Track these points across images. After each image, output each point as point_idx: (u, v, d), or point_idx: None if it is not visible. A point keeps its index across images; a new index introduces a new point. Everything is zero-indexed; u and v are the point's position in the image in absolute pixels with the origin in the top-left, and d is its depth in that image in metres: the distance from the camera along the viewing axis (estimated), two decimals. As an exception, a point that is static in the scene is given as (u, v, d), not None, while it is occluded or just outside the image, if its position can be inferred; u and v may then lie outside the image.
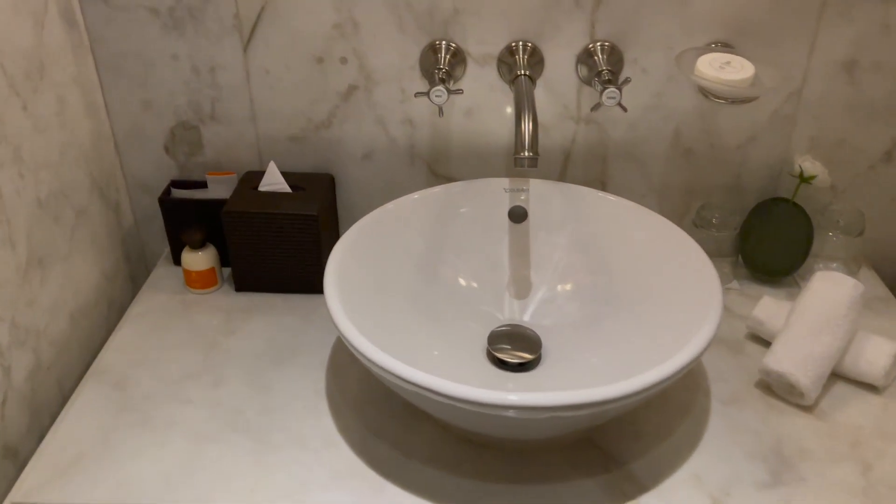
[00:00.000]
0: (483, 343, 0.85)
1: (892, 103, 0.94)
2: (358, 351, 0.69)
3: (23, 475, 0.74)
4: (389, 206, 0.89)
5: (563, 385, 0.76)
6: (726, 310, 0.95)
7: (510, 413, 0.64)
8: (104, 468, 0.75)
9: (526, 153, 0.77)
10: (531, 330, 0.86)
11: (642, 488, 0.73)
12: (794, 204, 0.97)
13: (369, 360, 0.68)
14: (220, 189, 1.00)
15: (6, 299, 0.78)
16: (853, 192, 1.01)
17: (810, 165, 0.95)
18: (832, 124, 0.97)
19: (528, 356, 0.83)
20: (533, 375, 0.82)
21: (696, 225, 0.99)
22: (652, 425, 0.80)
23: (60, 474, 0.74)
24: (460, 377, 0.73)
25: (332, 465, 0.75)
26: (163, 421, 0.80)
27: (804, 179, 0.96)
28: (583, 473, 0.74)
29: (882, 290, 1.00)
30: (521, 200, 0.93)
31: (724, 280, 1.00)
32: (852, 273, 1.00)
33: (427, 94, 0.86)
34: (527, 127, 0.78)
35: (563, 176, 1.02)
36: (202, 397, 0.83)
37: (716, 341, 0.89)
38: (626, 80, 0.86)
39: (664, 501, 0.71)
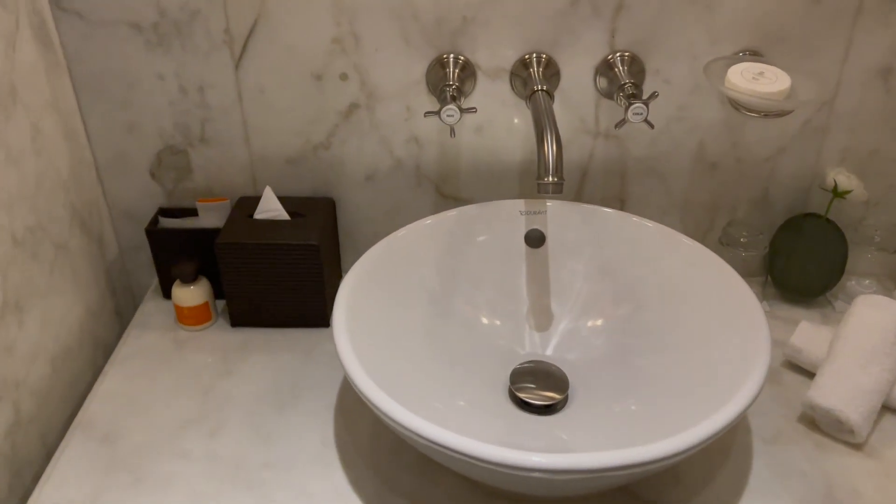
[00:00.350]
0: (505, 382, 0.78)
1: (930, 111, 0.89)
2: (371, 402, 0.63)
3: (3, 548, 0.67)
4: (400, 232, 0.82)
5: (596, 434, 0.70)
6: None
7: (536, 475, 0.58)
8: (93, 537, 0.68)
9: (550, 178, 0.70)
10: (556, 366, 0.80)
11: (688, 544, 0.67)
12: (828, 220, 0.92)
13: (383, 413, 0.62)
14: (211, 217, 0.92)
15: (-20, 351, 0.71)
16: (887, 204, 0.95)
17: (845, 179, 0.90)
18: (866, 135, 0.91)
19: (555, 396, 0.76)
20: (560, 419, 0.75)
21: (722, 243, 0.93)
22: (692, 468, 0.73)
23: (45, 546, 0.67)
24: (481, 424, 0.66)
25: (347, 526, 0.68)
26: (158, 479, 0.73)
27: (838, 194, 0.90)
28: (622, 528, 0.68)
29: (920, 308, 0.94)
30: (538, 223, 0.86)
31: (753, 301, 0.94)
32: (888, 291, 0.94)
33: (438, 113, 0.79)
34: (550, 149, 0.71)
35: (579, 194, 0.95)
36: (199, 450, 0.76)
37: (752, 372, 0.83)
38: (654, 95, 0.80)
39: (713, 559, 0.65)
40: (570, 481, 0.60)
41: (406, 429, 0.60)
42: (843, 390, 0.75)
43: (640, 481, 0.72)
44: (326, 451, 0.76)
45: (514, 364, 0.80)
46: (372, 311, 0.75)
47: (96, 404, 0.81)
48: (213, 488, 0.72)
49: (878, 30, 0.84)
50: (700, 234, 0.98)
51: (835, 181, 0.90)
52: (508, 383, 0.78)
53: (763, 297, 0.95)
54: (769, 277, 0.96)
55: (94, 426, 0.79)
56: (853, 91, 0.88)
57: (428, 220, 0.84)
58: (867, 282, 0.96)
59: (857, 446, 0.75)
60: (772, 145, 0.92)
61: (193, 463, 0.75)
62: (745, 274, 0.92)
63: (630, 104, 0.79)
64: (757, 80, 0.78)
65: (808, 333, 0.84)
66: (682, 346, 0.76)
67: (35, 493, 0.72)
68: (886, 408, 0.79)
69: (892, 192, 0.94)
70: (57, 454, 0.76)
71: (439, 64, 0.86)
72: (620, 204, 0.96)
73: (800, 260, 0.92)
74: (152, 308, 0.95)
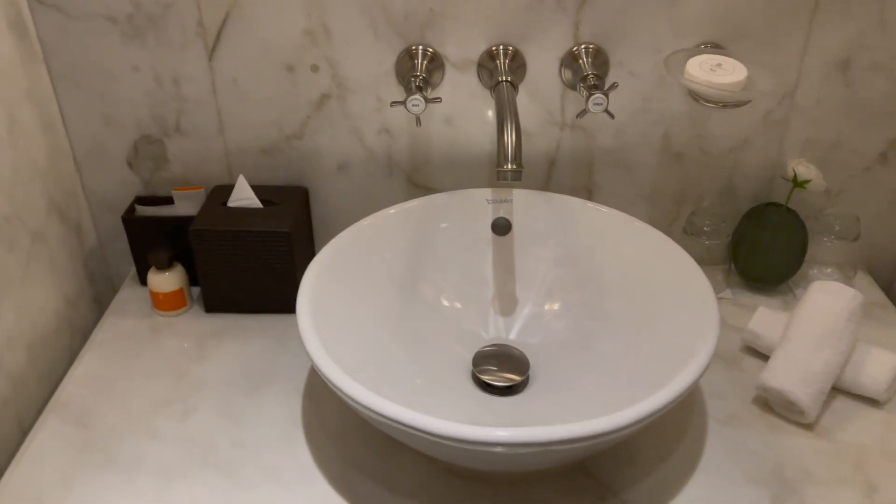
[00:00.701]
0: (468, 365, 0.80)
1: (888, 104, 0.91)
2: (334, 384, 0.65)
3: (-24, 524, 0.69)
4: (365, 221, 0.84)
5: (554, 411, 0.73)
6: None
7: (498, 449, 0.60)
8: (64, 514, 0.70)
9: (509, 166, 0.72)
10: (518, 350, 0.82)
11: (639, 520, 0.69)
12: (788, 209, 0.94)
13: (345, 395, 0.64)
14: (187, 205, 0.94)
15: (-45, 333, 0.73)
16: (848, 195, 0.97)
17: (804, 170, 0.92)
18: (826, 126, 0.93)
19: (515, 378, 0.78)
20: (521, 399, 0.78)
21: (686, 232, 0.95)
22: (647, 448, 0.76)
23: (17, 522, 0.69)
24: (444, 404, 0.68)
25: (310, 501, 0.70)
26: (128, 458, 0.75)
27: (798, 184, 0.92)
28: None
29: (879, 295, 0.97)
30: (504, 212, 0.88)
31: (716, 289, 0.96)
32: (848, 279, 0.96)
33: (403, 103, 0.82)
34: (510, 138, 0.73)
35: (547, 184, 0.98)
36: (171, 431, 0.78)
37: (711, 356, 0.85)
38: (614, 86, 0.82)
39: (663, 534, 0.68)
40: (529, 455, 0.61)
41: (367, 408, 0.62)
42: (794, 372, 0.77)
43: (597, 461, 0.74)
44: (294, 432, 0.78)
45: (478, 347, 0.82)
46: (337, 296, 0.77)
47: (72, 387, 0.84)
48: (183, 467, 0.74)
49: (835, 24, 0.86)
50: (667, 224, 1.00)
51: (794, 171, 0.92)
52: (471, 366, 0.80)
53: (726, 284, 0.97)
54: (732, 265, 0.98)
55: (69, 408, 0.81)
56: (813, 84, 0.90)
57: (392, 210, 0.86)
58: (829, 270, 0.98)
59: (808, 426, 0.78)
60: (735, 137, 0.94)
61: (165, 443, 0.77)
62: (709, 262, 0.95)
63: (591, 94, 0.81)
64: (714, 72, 0.80)
65: (765, 319, 0.86)
66: (639, 328, 0.78)
67: (9, 472, 0.74)
68: (838, 390, 0.81)
69: (853, 182, 0.97)
70: (31, 434, 0.78)
71: (408, 55, 0.88)
72: (588, 194, 0.98)
73: (761, 248, 0.94)
74: (129, 295, 0.97)
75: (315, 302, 0.73)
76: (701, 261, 0.94)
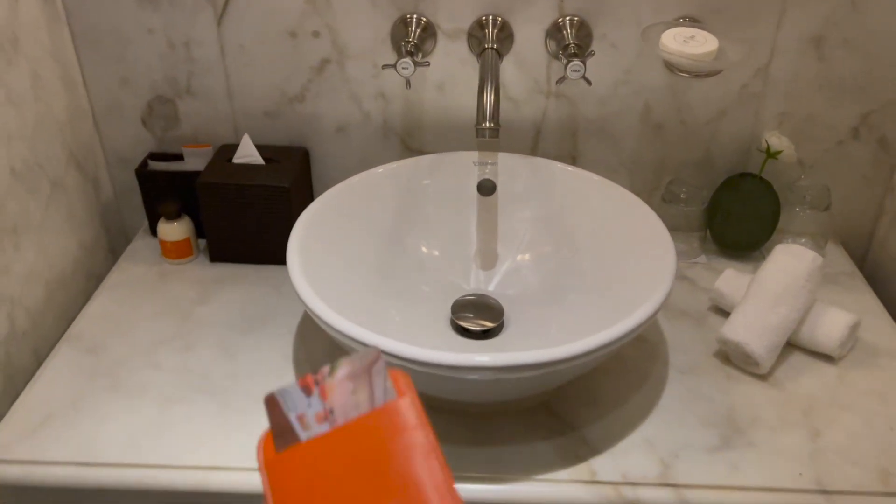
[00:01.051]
0: (447, 312, 0.86)
1: (860, 80, 0.95)
2: (316, 315, 0.71)
3: (-6, 434, 0.77)
4: (354, 179, 0.91)
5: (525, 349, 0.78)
6: (691, 283, 0.97)
7: (475, 376, 0.66)
8: (72, 428, 0.77)
9: (487, 124, 0.78)
10: (494, 299, 0.88)
11: (594, 451, 0.74)
12: (761, 179, 0.98)
13: (326, 324, 0.70)
14: (195, 161, 1.01)
15: (-21, 265, 0.80)
16: (822, 168, 1.02)
17: (777, 141, 0.96)
18: (801, 100, 0.97)
19: (489, 324, 0.84)
20: (495, 342, 0.83)
21: (664, 200, 1.00)
22: (608, 392, 0.81)
23: (30, 433, 0.76)
24: (421, 343, 0.74)
25: (294, 427, 0.77)
26: (132, 384, 0.82)
27: (771, 155, 0.97)
28: (538, 437, 0.76)
29: (848, 265, 1.01)
30: (489, 174, 0.94)
31: (692, 254, 1.02)
32: (819, 248, 1.01)
33: (394, 66, 0.87)
34: (488, 98, 0.79)
35: (534, 150, 1.03)
36: (172, 362, 0.85)
37: (679, 313, 0.91)
38: (591, 53, 0.87)
39: (615, 464, 0.73)
40: (504, 381, 0.68)
41: (353, 339, 0.68)
42: (751, 326, 0.82)
43: (560, 402, 0.80)
44: (285, 366, 0.84)
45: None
46: (325, 243, 0.83)
47: (84, 323, 0.91)
48: (181, 394, 0.81)
49: (808, 1, 0.90)
50: (647, 192, 1.05)
51: (767, 142, 0.97)
52: (450, 313, 0.86)
53: (702, 250, 1.02)
54: (708, 233, 1.03)
55: (81, 340, 0.88)
56: (788, 58, 0.95)
57: (380, 169, 0.92)
58: (802, 240, 1.02)
59: (763, 377, 0.83)
60: (712, 109, 0.99)
61: (166, 373, 0.84)
62: (686, 229, 1.00)
63: (569, 62, 0.86)
64: (687, 43, 0.85)
65: (731, 279, 0.91)
66: (606, 281, 0.84)
67: (24, 393, 0.81)
68: (794, 346, 0.86)
69: (826, 155, 1.01)
70: (46, 362, 0.85)
71: (403, 23, 0.94)
72: (572, 161, 1.04)
73: (734, 216, 0.99)
74: (141, 244, 1.05)
75: (304, 246, 0.80)
76: (678, 228, 0.99)
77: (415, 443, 0.38)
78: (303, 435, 0.39)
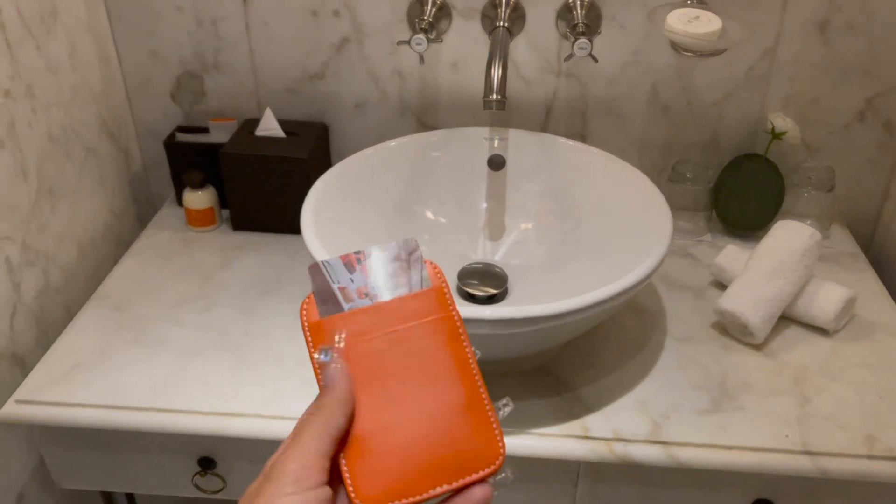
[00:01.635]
0: (453, 279, 0.90)
1: (865, 63, 0.97)
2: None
3: (27, 378, 0.82)
4: (368, 150, 0.95)
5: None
6: (694, 259, 1.00)
7: (484, 330, 0.69)
8: (99, 375, 0.82)
9: (494, 96, 0.82)
10: (500, 268, 0.91)
11: (588, 409, 0.78)
12: (767, 160, 1.01)
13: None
14: (220, 134, 1.06)
15: (18, 221, 0.86)
16: (828, 150, 1.04)
17: (781, 122, 0.98)
18: (806, 83, 0.99)
19: (493, 290, 0.88)
20: (497, 307, 0.87)
21: (671, 180, 1.03)
22: (606, 357, 0.84)
23: (60, 378, 0.82)
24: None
25: (304, 378, 0.81)
26: (155, 339, 0.87)
27: (776, 135, 0.99)
28: (535, 395, 0.80)
29: (852, 246, 1.03)
30: (499, 149, 0.98)
31: (697, 233, 1.04)
32: (823, 229, 1.02)
33: (408, 42, 0.91)
34: (496, 72, 0.82)
35: (544, 129, 1.06)
36: (192, 320, 0.90)
37: (680, 286, 0.94)
38: (597, 32, 0.90)
39: (607, 422, 0.76)
40: (508, 335, 0.71)
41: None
42: (747, 297, 0.84)
43: (558, 364, 0.83)
44: (298, 326, 0.89)
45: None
46: (338, 210, 0.88)
47: (112, 283, 0.96)
48: (200, 349, 0.86)
49: (813, -16, 0.93)
50: (656, 172, 1.08)
51: (772, 123, 0.99)
52: (456, 280, 0.90)
53: (707, 229, 1.05)
54: (714, 212, 1.05)
55: (109, 298, 0.94)
56: (793, 41, 0.97)
57: (392, 143, 0.96)
58: (809, 221, 1.04)
59: (757, 347, 0.85)
60: (719, 90, 1.01)
61: (186, 329, 0.89)
62: (692, 208, 1.03)
63: (576, 39, 0.89)
64: (691, 23, 0.88)
65: (732, 255, 0.93)
66: (607, 251, 0.87)
67: (55, 344, 0.87)
68: (790, 319, 0.88)
69: (832, 138, 1.03)
70: (76, 317, 0.91)
71: (419, 3, 0.98)
72: (582, 140, 1.06)
73: (740, 196, 1.01)
74: (168, 213, 1.10)
75: (318, 210, 0.84)
76: (684, 207, 1.02)
77: (447, 327, 0.43)
78: (345, 306, 0.43)
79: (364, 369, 0.42)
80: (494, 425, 0.42)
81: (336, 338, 0.42)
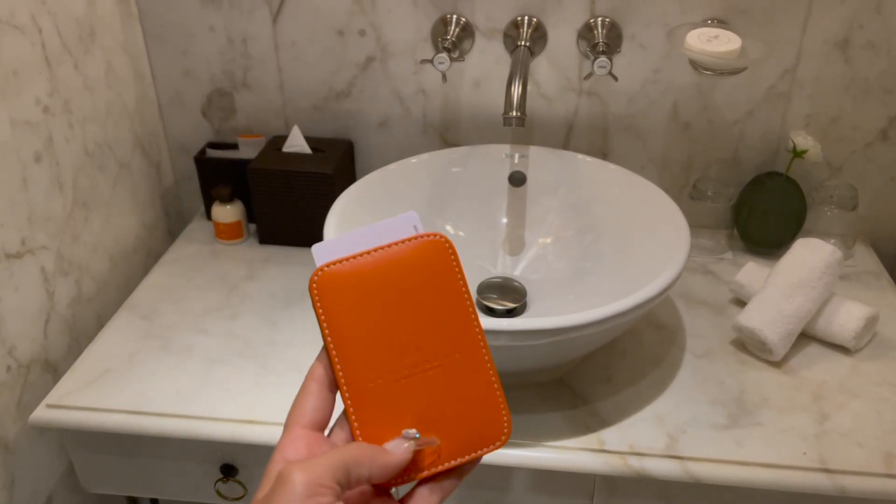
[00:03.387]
0: (473, 293, 0.91)
1: (886, 82, 0.97)
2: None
3: (58, 384, 0.85)
4: (392, 166, 0.97)
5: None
6: (715, 276, 1.00)
7: (501, 341, 0.71)
8: (127, 381, 0.85)
9: (514, 112, 0.83)
10: (519, 282, 0.92)
11: (604, 423, 0.78)
12: (788, 178, 1.01)
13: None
14: (249, 150, 1.09)
15: (53, 231, 0.89)
16: (850, 169, 1.04)
17: (802, 140, 0.99)
18: (827, 102, 1.00)
19: (512, 304, 0.89)
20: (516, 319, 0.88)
21: (692, 197, 1.03)
22: (623, 371, 0.85)
23: (89, 384, 0.84)
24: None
25: (325, 389, 0.83)
26: (181, 346, 0.90)
27: (797, 154, 0.99)
28: (551, 408, 0.80)
29: (875, 265, 1.02)
30: (520, 165, 0.99)
31: (718, 251, 1.04)
32: (846, 248, 1.02)
33: (431, 60, 0.94)
34: (516, 89, 0.84)
35: (565, 146, 1.08)
36: (217, 329, 0.92)
37: (699, 303, 0.94)
38: (617, 51, 0.91)
39: (623, 435, 0.77)
40: (524, 346, 0.72)
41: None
42: (766, 314, 0.84)
43: (575, 378, 0.84)
44: (319, 336, 0.90)
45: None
46: (361, 222, 0.89)
47: (142, 293, 0.99)
48: (224, 357, 0.88)
49: (833, 4, 0.93)
50: (676, 190, 1.09)
51: (793, 142, 0.99)
52: (476, 294, 0.91)
53: (728, 247, 1.05)
54: (735, 230, 1.05)
55: (138, 307, 0.96)
56: (814, 60, 0.97)
57: (413, 160, 0.98)
58: (832, 240, 1.04)
59: (776, 364, 0.85)
60: (740, 109, 1.02)
61: (211, 338, 0.91)
62: (713, 226, 1.03)
63: (596, 58, 0.91)
64: (710, 42, 0.89)
65: (752, 272, 0.93)
66: (625, 266, 0.88)
67: (86, 351, 0.90)
68: (810, 336, 0.88)
69: (854, 157, 1.03)
70: (106, 326, 0.94)
71: (442, 23, 1.00)
72: (602, 158, 1.08)
73: (761, 214, 1.02)
74: (197, 226, 1.13)
75: (341, 221, 0.86)
76: (705, 224, 1.03)
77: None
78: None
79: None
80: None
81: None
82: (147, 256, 1.12)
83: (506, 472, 0.79)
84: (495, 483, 0.79)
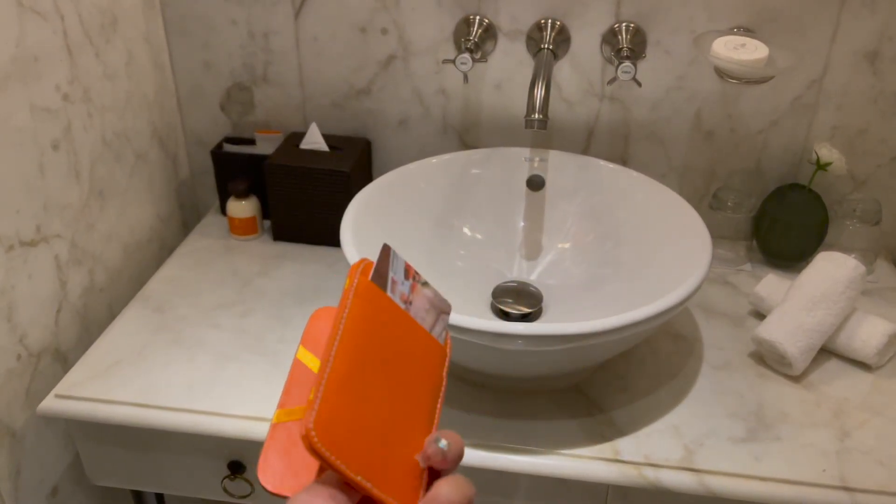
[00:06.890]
0: (488, 297, 0.90)
1: (916, 95, 0.96)
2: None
3: (68, 374, 0.84)
4: (411, 166, 0.96)
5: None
6: (733, 288, 0.98)
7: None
8: (136, 374, 0.84)
9: (536, 115, 0.82)
10: (535, 287, 0.91)
11: (620, 432, 0.77)
12: (811, 191, 0.99)
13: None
14: (266, 146, 1.09)
15: (68, 219, 0.89)
16: (875, 182, 1.02)
17: (827, 152, 0.97)
18: (854, 114, 0.98)
19: (528, 309, 0.88)
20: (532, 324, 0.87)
21: (711, 207, 1.02)
22: (640, 381, 0.83)
23: (99, 375, 0.84)
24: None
25: (336, 388, 0.82)
26: (192, 340, 0.89)
27: (821, 166, 0.98)
28: (566, 415, 0.79)
29: (898, 281, 1.01)
30: (539, 169, 0.98)
31: (737, 262, 1.03)
32: (868, 263, 1.00)
33: (453, 61, 0.93)
34: (539, 92, 0.83)
35: (586, 152, 1.06)
36: (229, 324, 0.91)
37: (718, 314, 0.93)
38: (642, 56, 0.90)
39: (639, 445, 0.75)
40: (539, 352, 0.71)
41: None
42: (786, 327, 0.83)
43: (591, 385, 0.82)
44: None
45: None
46: (376, 223, 0.89)
47: (154, 285, 0.99)
48: (235, 352, 0.87)
49: (864, 15, 0.92)
50: (697, 199, 1.07)
51: (817, 154, 0.98)
52: (491, 298, 0.90)
53: (748, 258, 1.03)
54: (755, 241, 1.04)
55: (151, 300, 0.96)
56: (841, 71, 0.96)
57: (433, 160, 0.97)
58: (854, 254, 1.02)
59: (796, 378, 0.83)
60: (764, 119, 1.00)
61: (223, 332, 0.90)
62: (733, 237, 1.02)
63: (621, 63, 0.90)
64: (737, 50, 0.88)
65: (772, 284, 0.92)
66: (643, 273, 0.86)
67: (97, 342, 0.89)
68: (831, 352, 0.86)
69: (880, 171, 1.01)
70: (118, 316, 0.93)
71: (465, 23, 0.99)
72: (623, 164, 1.06)
73: (782, 226, 1.00)
74: (212, 221, 1.12)
75: (357, 221, 0.85)
76: (724, 235, 1.01)
77: (436, 379, 0.46)
78: (390, 294, 0.44)
79: (373, 346, 0.42)
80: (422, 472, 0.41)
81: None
82: (161, 248, 1.11)
83: (517, 479, 0.77)
84: (506, 489, 0.78)
